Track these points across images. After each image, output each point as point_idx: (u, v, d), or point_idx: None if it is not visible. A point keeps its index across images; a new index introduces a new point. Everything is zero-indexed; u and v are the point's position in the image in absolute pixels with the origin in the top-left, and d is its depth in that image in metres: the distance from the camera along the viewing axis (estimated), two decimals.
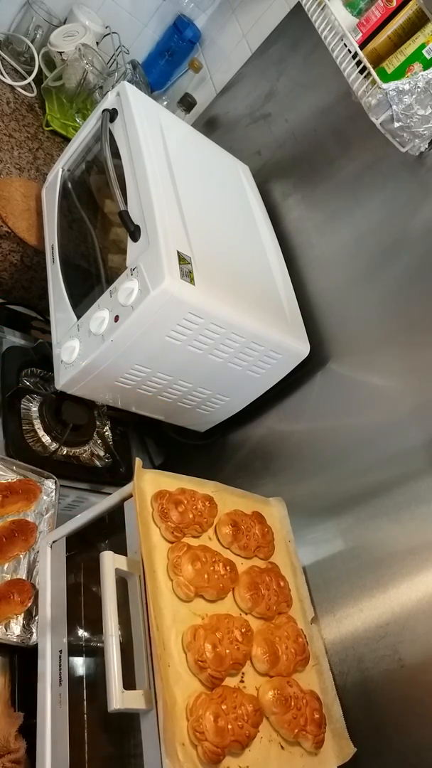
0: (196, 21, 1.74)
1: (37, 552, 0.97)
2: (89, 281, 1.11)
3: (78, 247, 1.22)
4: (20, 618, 0.90)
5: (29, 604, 0.91)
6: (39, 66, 1.56)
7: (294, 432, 1.11)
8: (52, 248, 1.20)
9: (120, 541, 0.82)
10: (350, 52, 0.99)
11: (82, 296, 1.08)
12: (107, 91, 1.28)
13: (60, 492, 1.08)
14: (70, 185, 1.29)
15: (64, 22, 1.62)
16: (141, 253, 0.95)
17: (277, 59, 1.44)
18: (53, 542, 0.94)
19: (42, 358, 1.25)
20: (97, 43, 1.63)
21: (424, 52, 0.93)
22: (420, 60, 0.93)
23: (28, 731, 0.81)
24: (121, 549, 0.80)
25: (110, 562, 0.75)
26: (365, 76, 0.96)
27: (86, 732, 0.77)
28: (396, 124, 0.93)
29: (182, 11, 1.73)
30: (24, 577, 0.95)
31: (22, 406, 1.18)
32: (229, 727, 0.68)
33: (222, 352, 1.02)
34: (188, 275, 0.92)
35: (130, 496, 0.83)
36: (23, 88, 1.55)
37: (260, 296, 1.08)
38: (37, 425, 1.19)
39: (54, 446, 1.17)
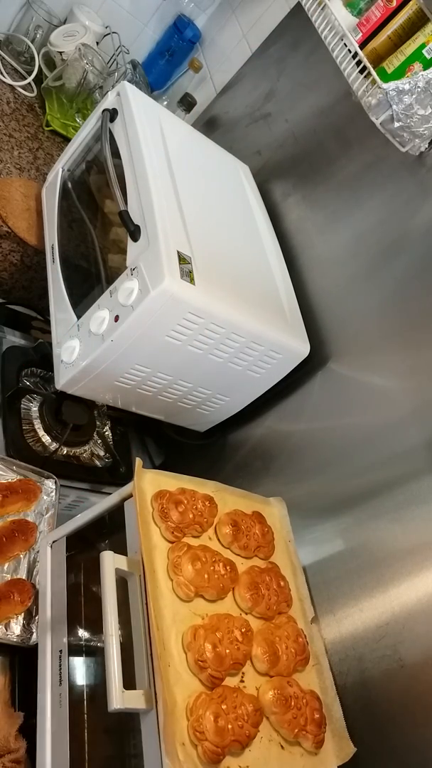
0: (196, 21, 1.74)
1: (37, 552, 0.97)
2: (89, 281, 1.11)
3: (78, 247, 1.22)
4: (20, 618, 0.90)
5: (29, 604, 0.91)
6: (39, 66, 1.56)
7: (294, 432, 1.11)
8: (52, 248, 1.20)
9: (120, 541, 0.82)
10: (350, 52, 0.99)
11: (82, 296, 1.08)
12: (107, 91, 1.28)
13: (60, 492, 1.08)
14: (70, 185, 1.29)
15: (64, 22, 1.62)
16: (141, 253, 0.95)
17: (277, 59, 1.44)
18: (53, 542, 0.94)
19: (42, 358, 1.25)
20: (97, 43, 1.63)
21: (424, 51, 0.93)
22: (420, 60, 0.93)
23: (28, 731, 0.81)
24: (121, 549, 0.80)
25: (110, 562, 0.75)
26: (365, 76, 0.96)
27: (86, 732, 0.77)
28: (396, 124, 0.93)
29: (182, 11, 1.73)
30: (24, 577, 0.95)
31: (22, 406, 1.18)
32: (229, 726, 0.68)
33: (222, 352, 1.02)
34: (188, 275, 0.92)
35: (130, 495, 0.83)
36: (23, 88, 1.55)
37: (260, 296, 1.08)
38: (37, 425, 1.19)
39: (54, 446, 1.17)
